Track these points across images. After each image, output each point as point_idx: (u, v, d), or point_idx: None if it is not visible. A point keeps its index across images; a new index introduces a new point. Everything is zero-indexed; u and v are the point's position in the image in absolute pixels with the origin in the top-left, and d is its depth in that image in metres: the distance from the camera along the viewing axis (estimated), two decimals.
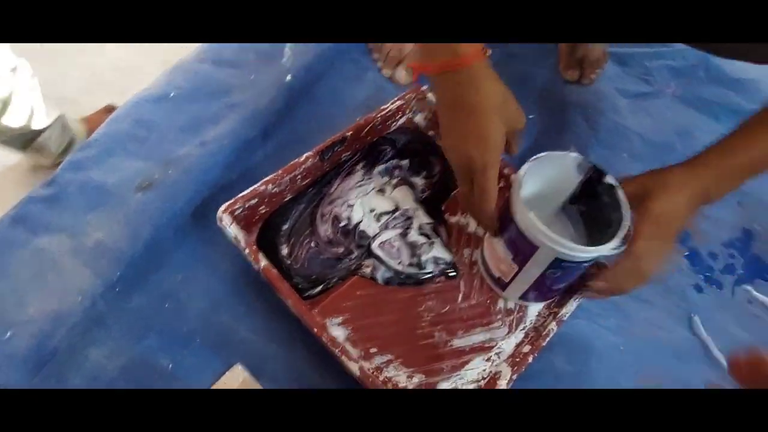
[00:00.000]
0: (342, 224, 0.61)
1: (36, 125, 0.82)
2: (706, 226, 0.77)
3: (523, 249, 0.52)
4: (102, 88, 1.06)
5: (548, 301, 0.61)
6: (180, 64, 0.67)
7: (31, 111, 0.79)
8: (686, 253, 0.74)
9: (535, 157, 0.53)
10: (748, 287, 0.74)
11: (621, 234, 0.50)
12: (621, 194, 0.52)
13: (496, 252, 0.57)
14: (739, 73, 0.89)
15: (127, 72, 1.08)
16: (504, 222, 0.54)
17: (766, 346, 0.67)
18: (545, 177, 0.55)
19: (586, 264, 0.53)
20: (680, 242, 0.75)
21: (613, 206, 0.52)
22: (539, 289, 0.57)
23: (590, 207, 0.57)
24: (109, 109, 1.03)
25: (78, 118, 0.98)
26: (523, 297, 0.59)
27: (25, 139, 0.84)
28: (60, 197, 0.56)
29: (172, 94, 0.63)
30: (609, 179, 0.53)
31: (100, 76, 1.07)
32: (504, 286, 0.59)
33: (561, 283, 0.56)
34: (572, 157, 0.54)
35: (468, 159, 0.49)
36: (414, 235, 0.61)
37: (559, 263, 0.51)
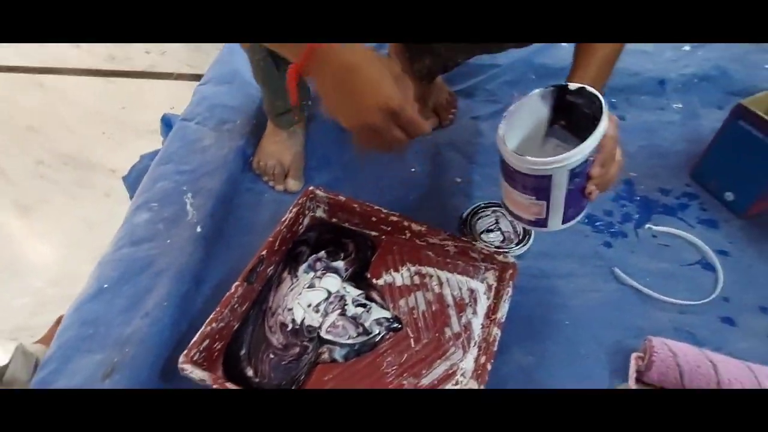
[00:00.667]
0: (289, 328, 0.68)
1: None
2: None
3: (540, 186, 0.57)
4: (46, 307, 1.11)
5: (584, 213, 0.62)
6: (102, 260, 0.75)
7: None
8: (585, 221, 0.85)
9: (504, 114, 0.59)
10: (648, 225, 0.84)
11: (605, 115, 0.54)
12: (589, 89, 0.57)
13: (520, 203, 0.61)
14: (561, 63, 1.05)
15: (64, 282, 1.14)
16: (507, 175, 0.59)
17: (683, 266, 0.77)
18: (522, 123, 0.61)
19: (592, 158, 0.56)
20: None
21: (588, 103, 0.57)
22: (574, 204, 0.60)
23: (570, 117, 0.60)
24: (60, 320, 1.08)
25: (34, 342, 1.03)
26: (566, 220, 0.61)
27: None
28: None
29: (105, 286, 0.71)
30: (572, 86, 0.58)
31: (41, 296, 1.13)
32: (543, 223, 0.62)
33: (583, 183, 0.58)
34: (535, 94, 0.60)
35: (379, 105, 0.50)
36: (351, 309, 0.69)
37: (574, 173, 0.55)
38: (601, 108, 0.55)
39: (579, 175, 0.56)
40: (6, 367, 0.91)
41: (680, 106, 1.04)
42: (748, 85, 1.01)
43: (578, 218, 0.63)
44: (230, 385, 0.59)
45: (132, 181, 1.09)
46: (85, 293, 0.71)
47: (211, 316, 0.64)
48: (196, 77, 1.55)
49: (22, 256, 1.20)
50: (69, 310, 0.71)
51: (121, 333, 0.66)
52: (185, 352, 0.61)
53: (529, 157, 0.55)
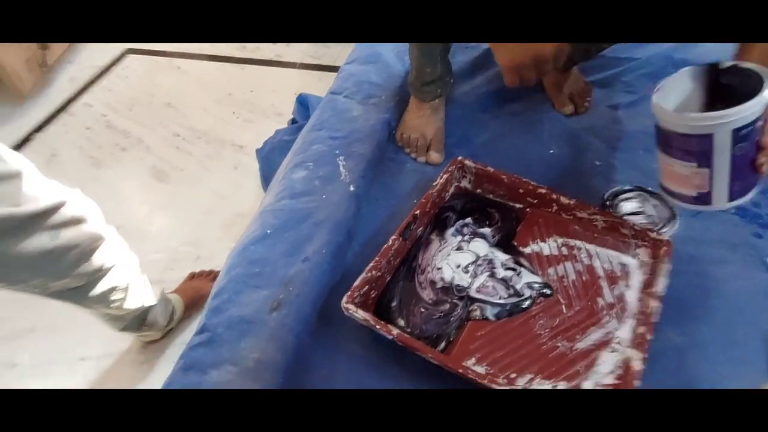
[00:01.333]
0: (439, 285, 0.70)
1: (148, 303, 0.95)
2: None
3: (700, 148, 0.54)
4: (178, 263, 1.20)
5: (753, 192, 0.59)
6: (264, 209, 0.81)
7: (143, 292, 0.92)
8: (733, 211, 0.82)
9: (655, 89, 0.59)
10: None
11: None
12: (743, 64, 0.56)
13: (680, 175, 0.59)
14: (702, 58, 1.02)
15: (195, 243, 1.23)
16: (665, 143, 0.58)
17: None
18: (673, 100, 0.60)
19: (759, 123, 0.53)
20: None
21: (745, 81, 0.55)
22: (740, 177, 0.56)
23: (728, 100, 0.56)
24: (192, 276, 1.17)
25: (169, 293, 1.11)
26: (733, 196, 0.58)
27: (140, 319, 0.96)
28: (214, 338, 0.66)
29: (268, 231, 0.76)
30: (724, 64, 0.57)
31: (174, 253, 1.22)
32: (707, 198, 0.59)
33: (751, 154, 0.55)
34: (684, 71, 0.59)
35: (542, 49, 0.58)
36: (501, 272, 0.70)
37: (739, 135, 0.52)
38: (761, 79, 0.53)
39: (745, 138, 0.53)
40: (152, 308, 0.99)
41: None
42: None
43: (747, 197, 0.58)
44: (391, 327, 0.62)
45: (265, 153, 1.17)
46: (249, 236, 0.77)
47: (371, 264, 0.68)
48: (319, 67, 1.64)
49: (158, 217, 1.30)
50: (234, 251, 0.77)
51: (285, 273, 0.71)
52: (349, 293, 0.65)
53: (690, 114, 0.53)
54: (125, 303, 0.87)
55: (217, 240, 1.24)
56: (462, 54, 1.07)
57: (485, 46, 1.07)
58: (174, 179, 1.37)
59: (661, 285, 0.65)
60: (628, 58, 1.05)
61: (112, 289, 0.81)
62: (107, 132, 1.51)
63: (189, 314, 1.11)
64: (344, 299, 0.64)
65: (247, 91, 1.57)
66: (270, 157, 1.15)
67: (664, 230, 0.78)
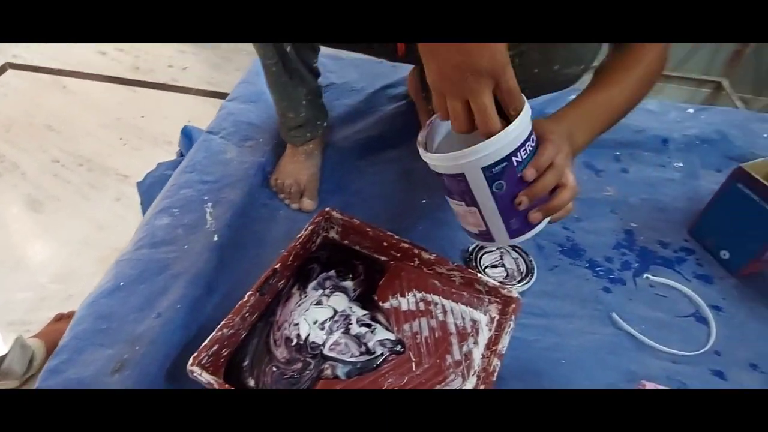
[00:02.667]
0: (293, 343, 0.70)
1: None
2: (593, 239, 0.92)
3: (459, 187, 0.53)
4: (46, 302, 1.12)
5: (540, 227, 0.57)
6: (121, 258, 0.77)
7: None
8: (586, 266, 0.88)
9: (428, 123, 0.58)
10: (646, 275, 0.87)
11: (523, 114, 0.50)
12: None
13: (458, 213, 0.57)
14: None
15: (67, 280, 1.15)
16: (443, 183, 0.56)
17: (678, 317, 0.80)
18: (446, 132, 0.58)
19: (515, 159, 0.51)
20: (576, 258, 0.89)
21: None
22: (511, 215, 0.55)
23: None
24: (59, 318, 1.09)
25: (31, 336, 1.04)
26: (513, 234, 0.56)
27: None
28: None
29: (122, 283, 0.73)
30: None
31: (43, 292, 1.14)
32: (488, 236, 0.57)
33: (516, 189, 0.53)
34: None
35: (486, 61, 0.46)
36: (355, 329, 0.71)
37: (490, 172, 0.50)
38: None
39: (500, 176, 0.51)
40: (4, 357, 0.92)
41: (681, 165, 1.08)
42: (746, 152, 1.06)
43: (532, 233, 0.56)
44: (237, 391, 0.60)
45: (145, 187, 1.12)
46: (101, 288, 0.73)
47: (223, 322, 0.66)
48: (215, 94, 1.61)
49: (30, 250, 1.21)
50: (84, 303, 0.72)
51: (133, 330, 0.68)
52: (195, 354, 0.62)
53: (431, 154, 0.51)
54: None
55: (91, 275, 1.16)
56: (347, 97, 1.08)
57: (370, 90, 1.09)
58: (50, 209, 1.29)
59: (504, 342, 0.68)
60: None
61: None
62: None
63: None
64: (190, 360, 0.62)
65: (137, 116, 1.51)
66: (150, 192, 1.10)
67: (520, 284, 0.82)
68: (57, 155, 1.39)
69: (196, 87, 1.61)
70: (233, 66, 1.71)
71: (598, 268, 0.88)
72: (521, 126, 0.50)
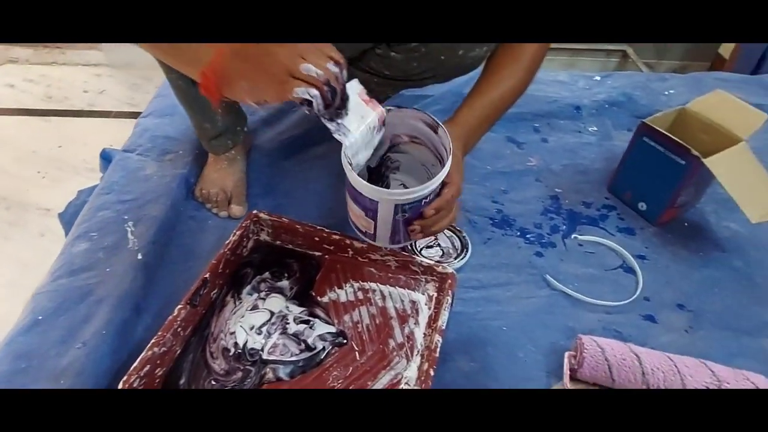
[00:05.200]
0: (231, 353, 0.68)
1: None
2: (522, 208, 0.95)
3: (369, 206, 0.63)
4: None
5: (398, 245, 0.71)
6: (37, 291, 0.73)
7: None
8: (517, 234, 0.90)
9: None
10: (574, 235, 0.91)
11: (444, 170, 0.61)
12: (441, 131, 0.64)
13: (355, 212, 0.67)
14: None
15: None
16: (348, 183, 0.64)
17: (607, 271, 0.83)
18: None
19: (425, 200, 0.62)
20: (508, 228, 0.91)
21: (442, 140, 0.64)
22: (399, 232, 0.67)
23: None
24: None
25: None
26: (393, 242, 0.69)
27: None
28: None
29: (40, 318, 0.69)
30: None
31: None
32: (372, 237, 0.69)
33: (413, 218, 0.65)
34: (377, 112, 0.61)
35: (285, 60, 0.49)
36: (293, 327, 0.70)
37: (402, 207, 0.61)
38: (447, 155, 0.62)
39: (407, 211, 0.63)
40: None
41: (596, 128, 1.13)
42: (651, 110, 1.12)
43: (407, 242, 0.71)
44: None
45: (68, 217, 1.07)
46: (17, 326, 0.69)
47: (153, 341, 0.63)
48: (136, 115, 1.55)
49: None
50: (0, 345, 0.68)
51: (56, 365, 0.64)
52: (125, 378, 0.60)
53: (364, 182, 0.60)
54: None
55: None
56: None
57: None
58: None
59: (443, 318, 0.69)
60: (423, 95, 1.12)
61: None
62: None
63: None
64: (119, 385, 0.59)
65: (54, 147, 1.44)
66: (74, 221, 1.05)
67: (457, 260, 0.83)
68: None
69: (116, 110, 1.55)
70: (153, 84, 1.65)
71: (528, 235, 0.90)
72: (441, 178, 0.61)
